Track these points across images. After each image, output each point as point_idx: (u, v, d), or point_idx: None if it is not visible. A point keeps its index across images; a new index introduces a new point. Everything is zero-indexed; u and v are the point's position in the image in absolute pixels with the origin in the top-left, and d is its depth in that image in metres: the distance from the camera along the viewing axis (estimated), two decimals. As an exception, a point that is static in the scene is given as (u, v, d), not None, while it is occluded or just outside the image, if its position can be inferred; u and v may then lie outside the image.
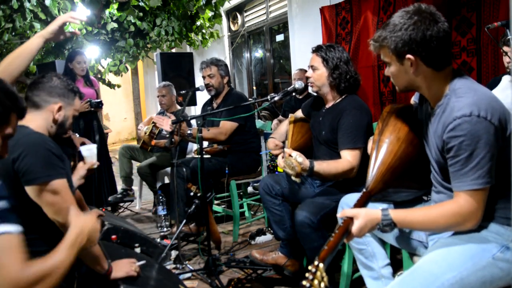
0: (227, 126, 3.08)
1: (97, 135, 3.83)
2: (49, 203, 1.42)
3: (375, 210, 1.30)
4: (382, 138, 1.49)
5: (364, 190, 1.43)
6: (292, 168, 1.71)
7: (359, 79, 2.18)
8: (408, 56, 1.27)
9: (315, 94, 2.31)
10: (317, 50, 2.16)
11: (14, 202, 1.23)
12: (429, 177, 1.45)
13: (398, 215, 1.28)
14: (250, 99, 2.80)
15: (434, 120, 1.33)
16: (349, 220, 1.28)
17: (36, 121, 1.56)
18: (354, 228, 1.27)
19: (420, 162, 1.46)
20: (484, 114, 1.17)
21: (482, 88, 1.28)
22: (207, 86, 3.20)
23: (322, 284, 1.04)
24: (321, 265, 1.07)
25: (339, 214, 1.32)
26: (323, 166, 1.89)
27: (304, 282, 1.03)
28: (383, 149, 1.47)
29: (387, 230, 1.28)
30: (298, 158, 1.72)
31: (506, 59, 2.28)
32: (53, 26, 1.72)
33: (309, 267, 1.06)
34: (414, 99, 1.62)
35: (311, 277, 1.04)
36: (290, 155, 1.73)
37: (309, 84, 2.23)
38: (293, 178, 1.75)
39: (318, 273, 1.05)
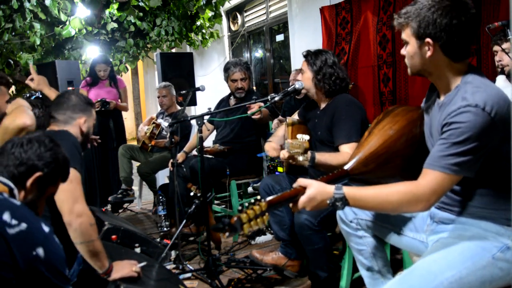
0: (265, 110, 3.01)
1: (114, 134, 3.93)
2: (62, 189, 1.49)
3: (330, 186, 1.28)
4: (377, 127, 1.50)
5: (344, 168, 1.43)
6: (300, 145, 1.76)
7: (347, 80, 2.22)
8: (428, 40, 1.24)
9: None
10: (305, 55, 2.26)
11: None
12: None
13: (351, 191, 1.27)
14: (252, 98, 2.80)
15: (440, 110, 1.31)
16: (301, 189, 1.27)
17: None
18: (304, 196, 1.26)
19: (415, 160, 1.45)
20: (489, 109, 1.16)
21: (494, 85, 1.26)
22: (238, 89, 3.17)
23: (259, 220, 1.08)
24: (264, 203, 1.11)
25: (295, 184, 1.31)
26: (324, 156, 1.97)
27: (239, 208, 1.07)
28: (373, 136, 1.47)
29: (338, 206, 1.25)
30: (305, 136, 1.80)
31: (496, 58, 2.31)
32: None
33: (252, 200, 1.10)
34: (423, 105, 1.61)
35: (247, 204, 1.08)
36: (295, 138, 1.81)
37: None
38: (300, 158, 1.80)
39: (257, 207, 1.09)
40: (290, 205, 1.30)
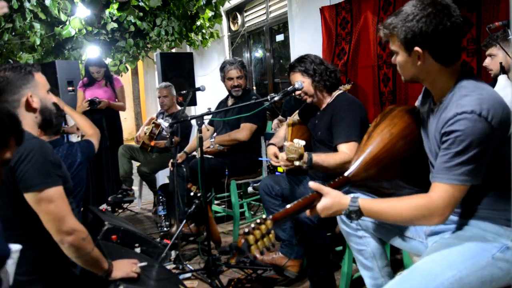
0: (247, 126, 3.08)
1: (107, 133, 3.93)
2: (45, 211, 1.41)
3: (345, 196, 1.31)
4: (376, 130, 1.49)
5: (345, 174, 1.44)
6: (295, 151, 1.78)
7: (337, 70, 2.27)
8: (417, 48, 1.25)
9: None
10: (292, 68, 2.27)
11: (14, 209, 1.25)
12: (424, 177, 1.44)
13: (366, 203, 1.30)
14: (252, 98, 2.80)
15: (436, 115, 1.31)
16: (318, 195, 1.30)
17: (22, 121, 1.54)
18: (320, 204, 1.30)
19: (415, 161, 1.46)
20: (485, 114, 1.16)
21: (489, 88, 1.26)
22: (235, 87, 3.19)
23: (265, 239, 1.09)
24: (269, 221, 1.12)
25: (312, 185, 1.32)
26: (321, 157, 1.98)
27: (246, 229, 1.07)
28: (373, 140, 1.47)
29: (353, 217, 1.29)
30: (301, 142, 1.81)
31: (486, 61, 2.28)
32: None
33: (257, 220, 1.11)
34: (417, 104, 1.61)
35: (253, 225, 1.09)
36: (291, 143, 1.81)
37: (302, 98, 2.30)
38: (296, 163, 1.82)
39: (263, 227, 1.10)
40: (307, 211, 1.32)
